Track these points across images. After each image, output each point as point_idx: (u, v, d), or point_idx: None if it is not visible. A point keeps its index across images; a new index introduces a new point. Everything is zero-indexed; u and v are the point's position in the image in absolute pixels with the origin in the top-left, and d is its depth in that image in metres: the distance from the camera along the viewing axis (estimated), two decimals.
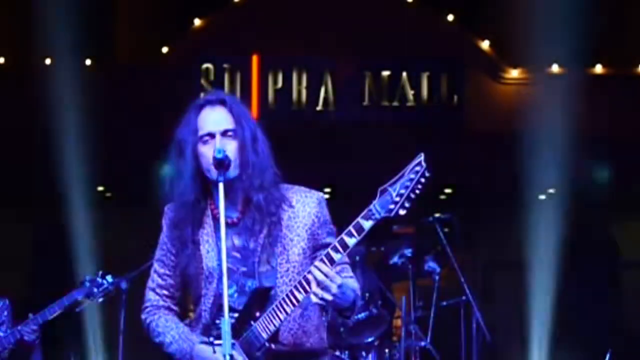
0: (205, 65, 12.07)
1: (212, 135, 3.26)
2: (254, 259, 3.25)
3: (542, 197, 13.39)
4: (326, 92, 12.11)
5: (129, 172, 11.26)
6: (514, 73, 12.47)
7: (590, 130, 11.80)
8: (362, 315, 6.71)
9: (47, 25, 12.85)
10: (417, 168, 3.15)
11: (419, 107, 12.16)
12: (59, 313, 5.73)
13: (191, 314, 3.41)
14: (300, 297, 3.13)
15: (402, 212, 3.10)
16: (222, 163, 3.12)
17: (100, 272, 5.82)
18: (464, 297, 6.78)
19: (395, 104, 12.18)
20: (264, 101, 11.94)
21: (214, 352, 3.14)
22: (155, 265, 3.42)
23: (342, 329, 6.79)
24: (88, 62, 12.37)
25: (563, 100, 12.26)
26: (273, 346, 3.18)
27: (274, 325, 3.15)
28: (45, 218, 13.17)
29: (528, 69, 12.44)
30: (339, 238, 3.14)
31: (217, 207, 3.25)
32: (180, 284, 3.39)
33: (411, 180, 3.11)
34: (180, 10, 12.80)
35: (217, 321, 3.21)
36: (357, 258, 7.64)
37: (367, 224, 3.10)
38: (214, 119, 3.29)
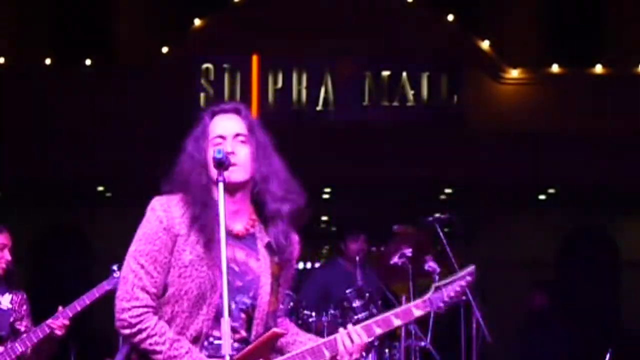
0: (205, 65, 12.07)
1: (222, 137, 3.22)
2: (253, 278, 3.21)
3: (542, 197, 13.41)
4: (326, 92, 12.11)
5: (129, 171, 11.25)
6: (514, 73, 12.48)
7: (590, 130, 11.82)
8: (362, 315, 6.72)
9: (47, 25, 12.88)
10: (468, 278, 3.39)
11: (419, 107, 12.15)
12: (89, 305, 5.59)
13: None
14: (327, 354, 3.21)
15: (444, 311, 3.40)
16: (221, 163, 3.08)
17: None
18: (464, 297, 6.78)
19: (395, 104, 12.17)
20: (264, 101, 11.94)
21: None
22: (142, 261, 3.12)
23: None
24: (88, 62, 12.38)
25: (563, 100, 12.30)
26: None
27: None
28: (45, 217, 13.19)
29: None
30: (384, 315, 3.27)
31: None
32: (164, 283, 3.16)
33: (461, 287, 3.38)
34: (180, 10, 12.80)
35: (213, 335, 3.14)
36: (357, 258, 7.66)
37: (417, 313, 3.31)
38: (226, 124, 3.25)
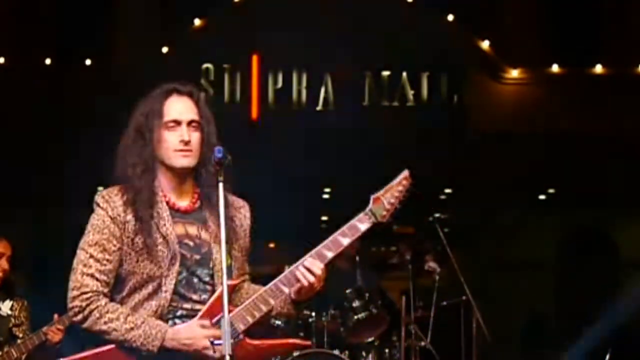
0: (205, 65, 12.07)
1: (177, 123, 3.33)
2: (208, 249, 3.30)
3: (542, 197, 13.41)
4: (326, 92, 12.11)
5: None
6: (514, 73, 12.48)
7: (590, 130, 11.82)
8: (362, 315, 6.72)
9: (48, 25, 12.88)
10: (405, 182, 3.46)
11: (419, 107, 12.15)
12: None
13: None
14: (285, 290, 3.24)
15: (390, 219, 3.37)
16: (221, 163, 3.15)
17: None
18: (464, 297, 6.79)
19: (395, 104, 12.17)
20: (264, 101, 11.94)
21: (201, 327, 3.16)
22: (91, 250, 3.25)
23: (342, 329, 6.78)
24: (88, 62, 12.38)
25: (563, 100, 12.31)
26: (247, 339, 3.23)
27: (253, 317, 3.21)
28: (45, 218, 13.19)
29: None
30: (332, 237, 3.29)
31: (167, 195, 3.34)
32: (115, 271, 3.26)
33: (400, 192, 3.41)
34: (180, 10, 12.80)
35: (174, 304, 3.22)
36: (357, 258, 7.66)
37: (362, 227, 3.32)
38: (182, 107, 3.38)
